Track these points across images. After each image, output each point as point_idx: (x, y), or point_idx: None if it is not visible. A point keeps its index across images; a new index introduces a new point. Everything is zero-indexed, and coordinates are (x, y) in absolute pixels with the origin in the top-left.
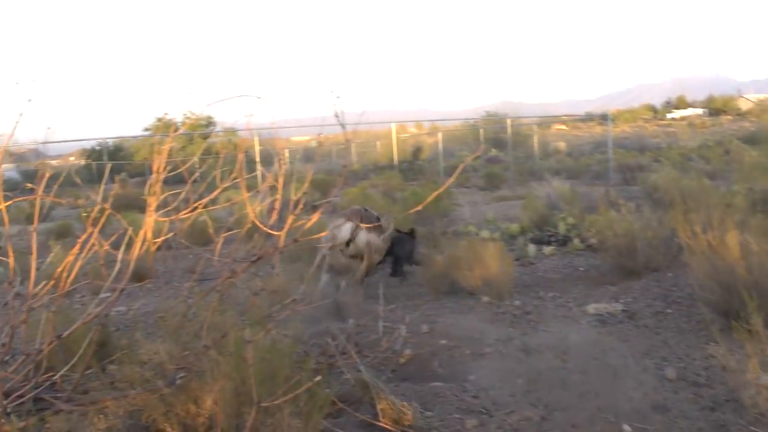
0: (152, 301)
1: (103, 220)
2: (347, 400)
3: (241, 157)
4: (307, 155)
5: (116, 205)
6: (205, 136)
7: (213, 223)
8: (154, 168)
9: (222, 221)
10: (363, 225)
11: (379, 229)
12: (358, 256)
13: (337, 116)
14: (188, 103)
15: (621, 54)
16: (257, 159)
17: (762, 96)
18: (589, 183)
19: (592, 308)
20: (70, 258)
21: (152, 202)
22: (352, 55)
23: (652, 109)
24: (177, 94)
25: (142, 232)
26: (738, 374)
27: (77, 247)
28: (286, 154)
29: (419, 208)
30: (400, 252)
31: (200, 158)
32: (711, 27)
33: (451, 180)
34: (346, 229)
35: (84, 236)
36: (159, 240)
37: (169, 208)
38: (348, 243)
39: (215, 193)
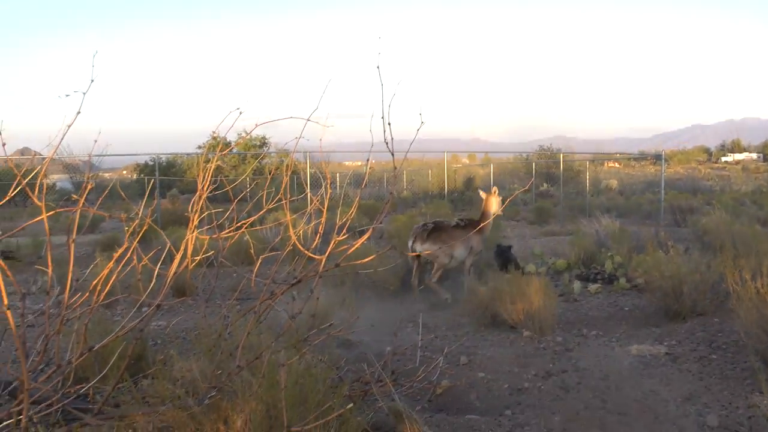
0: (191, 317)
1: (140, 234)
2: (381, 428)
3: (287, 178)
4: (358, 180)
5: (165, 221)
6: (258, 157)
7: (257, 243)
8: (199, 185)
9: (268, 242)
10: (416, 237)
11: (434, 239)
12: (429, 261)
13: (386, 143)
14: (238, 121)
15: (677, 94)
16: (307, 181)
17: None
18: (639, 222)
19: (634, 349)
20: (106, 271)
21: (194, 218)
22: (409, 83)
23: (707, 151)
24: (231, 112)
25: (181, 249)
26: None
27: (113, 260)
28: (337, 178)
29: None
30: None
31: (252, 178)
32: None
33: (501, 210)
34: (410, 242)
35: (121, 250)
36: (198, 257)
37: (209, 226)
38: (415, 253)
39: (260, 213)
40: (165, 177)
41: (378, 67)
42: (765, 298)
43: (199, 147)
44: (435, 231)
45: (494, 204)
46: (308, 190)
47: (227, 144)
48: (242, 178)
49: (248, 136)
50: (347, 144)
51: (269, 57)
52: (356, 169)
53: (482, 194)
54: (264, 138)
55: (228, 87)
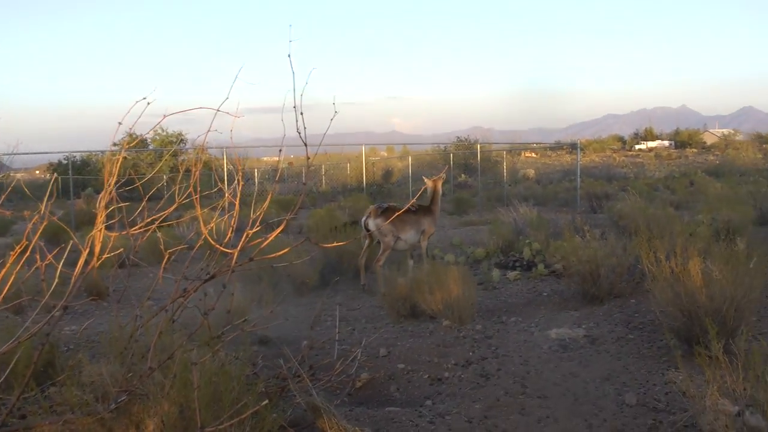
0: (106, 320)
1: (39, 233)
2: (299, 424)
3: (196, 170)
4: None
5: (79, 221)
6: (174, 153)
7: (174, 241)
8: (105, 180)
9: (185, 239)
10: (370, 212)
11: (387, 217)
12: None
13: (299, 132)
14: (149, 113)
15: (590, 85)
16: (224, 177)
17: (726, 131)
18: (556, 210)
19: (554, 333)
20: (3, 272)
21: (101, 215)
22: (325, 74)
23: (621, 139)
24: (137, 102)
25: (86, 247)
26: (697, 400)
27: (11, 260)
28: (255, 174)
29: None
30: None
31: (169, 175)
32: (677, 61)
33: (413, 201)
34: (363, 219)
35: (18, 248)
36: (104, 255)
37: (113, 219)
38: (366, 229)
39: (171, 208)
40: (79, 176)
41: (289, 56)
42: (679, 277)
43: (115, 144)
44: (389, 211)
45: (439, 185)
46: (222, 184)
47: (144, 141)
48: (151, 174)
49: (164, 133)
50: (265, 139)
51: (183, 47)
52: (275, 165)
53: (428, 181)
54: (181, 134)
55: (144, 80)
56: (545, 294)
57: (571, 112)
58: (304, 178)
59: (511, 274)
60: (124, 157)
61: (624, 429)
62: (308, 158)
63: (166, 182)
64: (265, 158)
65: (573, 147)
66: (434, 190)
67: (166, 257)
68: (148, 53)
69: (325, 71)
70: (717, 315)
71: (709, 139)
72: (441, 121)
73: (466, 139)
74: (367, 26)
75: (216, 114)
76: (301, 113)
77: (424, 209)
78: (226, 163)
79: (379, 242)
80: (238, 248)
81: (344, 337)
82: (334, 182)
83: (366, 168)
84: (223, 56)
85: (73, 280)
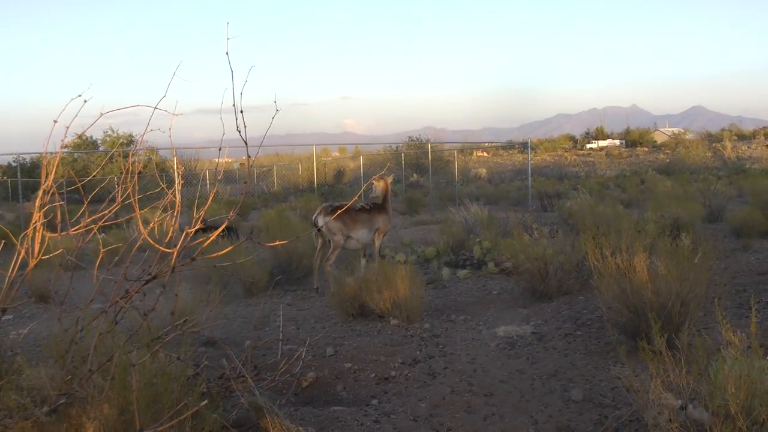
0: (50, 324)
1: None
2: (243, 425)
3: (137, 173)
4: (228, 177)
5: (28, 224)
6: (125, 155)
7: (121, 242)
8: (42, 178)
9: (134, 241)
10: (320, 210)
11: (337, 215)
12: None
13: (239, 131)
14: (85, 111)
15: (542, 85)
16: (176, 178)
17: (676, 130)
18: (508, 209)
19: (501, 331)
20: None
21: (38, 215)
22: (274, 77)
23: (572, 138)
24: (72, 99)
25: (21, 248)
26: (642, 395)
27: None
28: (207, 175)
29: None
30: None
31: (120, 176)
32: (628, 61)
33: (356, 198)
34: (313, 217)
35: None
36: (40, 256)
37: (52, 222)
38: (316, 227)
39: (113, 208)
40: (29, 178)
41: (227, 54)
42: (625, 273)
43: (66, 146)
44: (339, 209)
45: (388, 186)
46: (162, 185)
47: (94, 143)
48: (93, 175)
49: (115, 135)
50: (217, 141)
51: (129, 45)
52: (227, 166)
53: (377, 182)
54: (131, 136)
55: (92, 79)
56: (495, 292)
57: (523, 112)
58: (246, 179)
59: (461, 273)
60: (74, 160)
61: (569, 425)
62: (248, 157)
63: (116, 184)
64: (217, 159)
65: (524, 146)
66: (384, 190)
67: (100, 257)
68: (93, 53)
69: (274, 71)
70: (663, 310)
71: (659, 138)
72: (394, 122)
73: (417, 139)
74: (316, 23)
75: (154, 113)
76: (241, 112)
77: (377, 208)
78: (177, 165)
79: (330, 241)
80: (177, 248)
81: (290, 337)
82: (286, 183)
83: (317, 168)
84: (167, 55)
85: (7, 281)
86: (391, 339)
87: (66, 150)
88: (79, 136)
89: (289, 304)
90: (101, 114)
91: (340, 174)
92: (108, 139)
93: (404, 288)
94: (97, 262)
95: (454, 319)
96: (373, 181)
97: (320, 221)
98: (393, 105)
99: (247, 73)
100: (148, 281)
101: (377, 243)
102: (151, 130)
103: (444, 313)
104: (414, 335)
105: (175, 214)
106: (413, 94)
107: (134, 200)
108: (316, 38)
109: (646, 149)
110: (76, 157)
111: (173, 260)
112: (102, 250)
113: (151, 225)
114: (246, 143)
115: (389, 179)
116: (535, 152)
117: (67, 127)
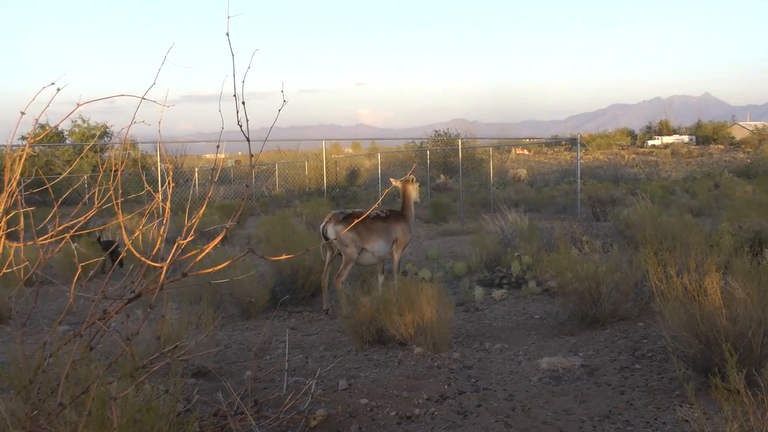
0: (9, 349)
1: None
2: None
3: (120, 172)
4: (222, 176)
5: None
6: (98, 149)
7: (93, 253)
8: (6, 177)
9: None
10: (330, 218)
11: (349, 223)
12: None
13: (239, 124)
14: (60, 101)
15: (594, 70)
16: (159, 177)
17: (759, 124)
18: (552, 217)
19: (545, 362)
20: None
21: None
22: (279, 61)
23: (630, 134)
24: (44, 87)
25: None
26: None
27: None
28: (195, 174)
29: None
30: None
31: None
32: (699, 44)
33: (375, 205)
34: (321, 226)
35: None
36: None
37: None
38: (325, 238)
39: (88, 215)
40: None
41: (228, 35)
42: (693, 295)
43: (23, 138)
44: (352, 217)
45: (413, 192)
46: (150, 186)
47: (59, 134)
48: (66, 173)
49: (85, 125)
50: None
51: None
52: (222, 163)
53: (395, 183)
54: (105, 126)
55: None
56: (537, 316)
57: (571, 102)
58: (246, 180)
59: (497, 293)
60: (35, 154)
61: None
62: (251, 155)
63: (87, 183)
64: (207, 155)
65: (573, 143)
66: (405, 193)
67: (78, 271)
68: (64, 35)
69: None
70: (740, 341)
71: (738, 134)
72: (417, 113)
73: (446, 134)
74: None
75: (141, 102)
76: (243, 102)
77: (395, 215)
78: (160, 161)
79: (341, 254)
80: (167, 261)
81: (297, 367)
82: (290, 184)
83: (328, 167)
84: (156, 37)
85: None
86: (415, 371)
87: (33, 144)
88: (43, 127)
89: (294, 328)
90: (77, 104)
91: (353, 174)
92: (77, 130)
93: (430, 310)
94: (75, 278)
95: (488, 347)
96: (391, 181)
97: (330, 231)
98: (415, 93)
99: (250, 58)
100: (130, 300)
101: (396, 257)
102: (135, 122)
103: (477, 340)
104: (441, 366)
105: (164, 222)
106: (439, 80)
107: (116, 203)
108: (327, 14)
109: (721, 147)
110: (37, 151)
111: (162, 276)
112: (79, 265)
113: (136, 234)
114: (248, 139)
115: (410, 182)
116: (586, 150)
117: (36, 119)
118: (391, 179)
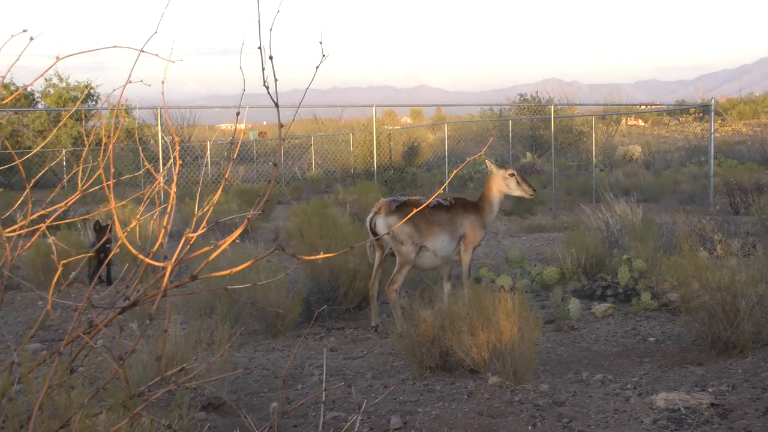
0: None
1: None
2: None
3: (111, 145)
4: (243, 153)
5: None
6: (80, 116)
7: (75, 249)
8: None
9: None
10: (380, 208)
11: (404, 213)
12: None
13: (266, 86)
14: (34, 54)
15: (732, 15)
16: (160, 154)
17: None
18: (674, 209)
19: (662, 400)
20: None
21: None
22: (315, 5)
23: None
24: (13, 36)
25: None
26: None
27: None
28: (207, 148)
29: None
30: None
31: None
32: None
33: (441, 190)
34: (368, 218)
35: None
36: None
37: None
38: (374, 233)
39: (69, 200)
40: None
41: None
42: None
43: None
44: (408, 206)
45: (500, 182)
46: (152, 165)
47: (29, 96)
48: (37, 149)
49: (64, 85)
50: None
51: None
52: (242, 135)
53: (490, 166)
54: (89, 86)
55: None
56: (652, 339)
57: (702, 56)
58: (276, 158)
59: (599, 308)
60: None
61: None
62: (280, 125)
63: (67, 160)
64: (223, 125)
65: (705, 110)
66: (488, 182)
67: (58, 272)
68: None
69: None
70: None
71: None
72: (494, 72)
73: (534, 99)
74: None
75: (138, 56)
76: (270, 57)
77: (462, 204)
78: (162, 133)
79: (394, 254)
80: (172, 261)
81: (337, 399)
82: (330, 164)
83: (379, 142)
84: None
85: None
86: (490, 406)
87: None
88: (7, 86)
89: (333, 348)
90: (57, 58)
91: (412, 151)
92: (52, 91)
93: (510, 328)
94: (53, 281)
95: (586, 378)
96: (488, 164)
97: (380, 224)
98: (495, 44)
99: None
100: (124, 309)
101: (466, 258)
102: (130, 81)
103: (571, 368)
104: (524, 401)
105: (168, 210)
106: (526, 27)
107: (106, 186)
108: None
109: None
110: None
111: (165, 279)
112: (59, 262)
113: (133, 224)
114: (276, 104)
115: (506, 171)
116: (723, 120)
117: (2, 77)
118: (487, 161)
